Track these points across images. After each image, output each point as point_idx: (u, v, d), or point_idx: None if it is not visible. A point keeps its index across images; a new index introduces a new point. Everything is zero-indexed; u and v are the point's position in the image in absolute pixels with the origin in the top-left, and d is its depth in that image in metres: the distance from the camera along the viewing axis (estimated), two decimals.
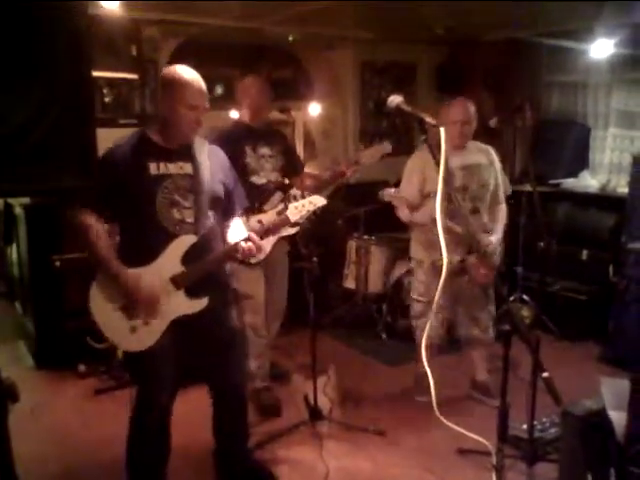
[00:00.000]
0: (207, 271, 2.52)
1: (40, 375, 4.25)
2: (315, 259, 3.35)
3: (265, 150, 3.59)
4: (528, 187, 4.62)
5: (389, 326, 4.87)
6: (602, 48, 4.84)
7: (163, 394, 2.57)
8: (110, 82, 4.66)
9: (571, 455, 2.46)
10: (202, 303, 2.51)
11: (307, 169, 3.99)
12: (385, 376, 4.25)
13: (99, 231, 2.42)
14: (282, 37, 5.25)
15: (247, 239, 2.54)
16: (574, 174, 5.45)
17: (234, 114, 4.79)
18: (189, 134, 2.50)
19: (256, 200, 3.50)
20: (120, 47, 4.70)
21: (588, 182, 5.37)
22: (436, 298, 2.12)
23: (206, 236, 2.51)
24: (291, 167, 3.72)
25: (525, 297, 4.82)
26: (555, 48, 5.53)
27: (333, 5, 4.06)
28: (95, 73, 4.28)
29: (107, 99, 4.65)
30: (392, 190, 3.58)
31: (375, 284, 5.05)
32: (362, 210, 5.16)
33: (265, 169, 3.57)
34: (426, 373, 3.63)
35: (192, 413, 3.16)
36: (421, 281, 3.72)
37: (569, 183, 5.42)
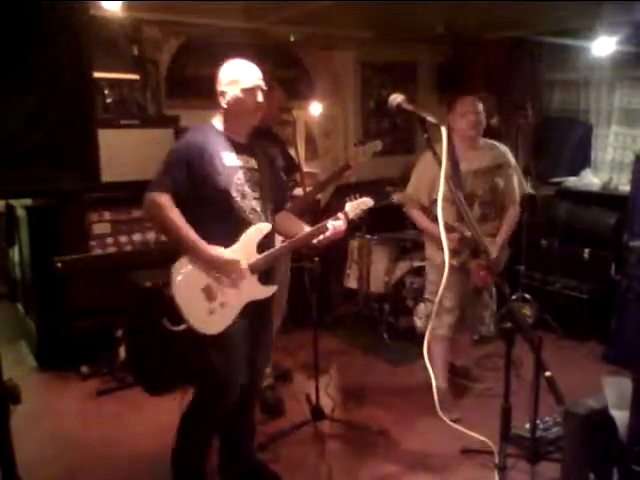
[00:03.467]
0: (279, 258, 2.69)
1: (42, 376, 4.25)
2: (317, 258, 3.35)
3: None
4: (530, 186, 4.62)
5: (391, 325, 4.86)
6: (604, 46, 4.82)
7: (239, 376, 2.64)
8: (111, 83, 4.66)
9: (574, 454, 2.45)
10: (272, 289, 2.70)
11: (308, 168, 4.00)
12: (387, 375, 4.25)
13: (177, 212, 2.48)
14: (283, 37, 5.25)
15: (336, 218, 2.68)
16: (576, 172, 5.44)
17: None
18: (254, 117, 2.62)
19: None
20: (121, 47, 4.70)
21: (590, 180, 5.36)
22: (437, 297, 2.12)
23: (272, 226, 2.69)
24: (289, 169, 3.77)
25: (527, 296, 4.81)
26: (556, 46, 5.52)
27: (333, 5, 4.05)
28: (96, 74, 4.27)
29: (109, 100, 4.65)
30: (402, 192, 3.58)
31: (377, 284, 5.05)
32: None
33: None
34: (447, 389, 3.67)
35: None
36: (432, 281, 3.71)
37: (571, 181, 5.41)
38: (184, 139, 2.59)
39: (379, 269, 5.05)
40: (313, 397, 3.48)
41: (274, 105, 3.67)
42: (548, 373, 1.83)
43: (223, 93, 2.58)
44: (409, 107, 2.16)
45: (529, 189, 3.77)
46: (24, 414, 2.28)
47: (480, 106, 3.48)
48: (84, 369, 4.18)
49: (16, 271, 5.01)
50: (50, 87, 1.94)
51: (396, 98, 2.19)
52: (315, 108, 5.43)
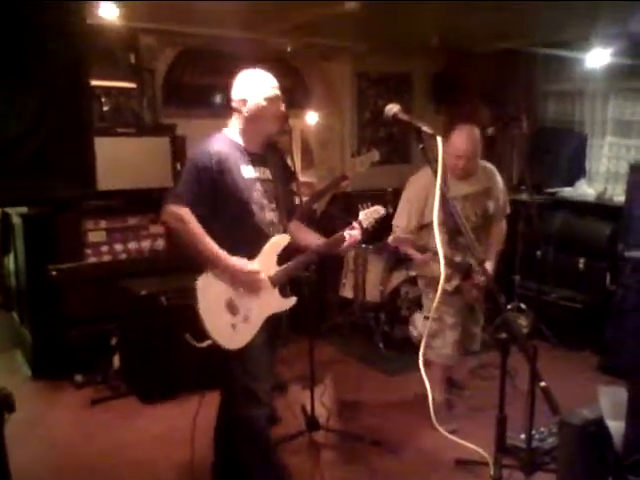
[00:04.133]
0: (299, 269, 2.69)
1: (37, 385, 4.23)
2: (312, 267, 3.35)
3: None
4: (525, 196, 4.64)
5: (386, 335, 4.86)
6: (598, 57, 4.86)
7: (266, 387, 2.63)
8: (108, 91, 4.66)
9: (569, 465, 2.44)
10: (292, 301, 2.67)
11: (304, 178, 4.01)
12: (382, 385, 4.24)
13: (198, 225, 2.46)
14: (280, 47, 5.27)
15: (352, 227, 2.70)
16: (571, 183, 5.46)
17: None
18: (273, 126, 2.59)
19: None
20: (118, 56, 4.72)
21: (585, 191, 5.37)
22: (431, 313, 2.12)
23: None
24: (286, 176, 3.78)
25: (523, 306, 4.82)
26: (551, 58, 5.56)
27: (330, 17, 4.07)
28: (93, 82, 4.28)
29: (105, 108, 4.65)
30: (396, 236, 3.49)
31: (372, 293, 5.05)
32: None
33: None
34: (445, 401, 3.66)
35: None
36: (431, 299, 3.70)
37: (566, 192, 5.43)
38: (203, 149, 2.52)
39: (374, 278, 5.05)
40: (308, 408, 3.47)
41: (280, 115, 3.68)
42: (543, 383, 1.83)
43: (244, 101, 2.52)
44: (405, 117, 2.16)
45: (509, 210, 3.75)
46: (18, 422, 2.27)
47: (476, 141, 3.39)
48: (78, 378, 4.16)
49: (11, 279, 4.99)
50: (47, 95, 1.94)
51: (392, 108, 2.19)
52: (311, 117, 5.46)
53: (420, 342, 2.18)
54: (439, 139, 1.99)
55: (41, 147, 1.90)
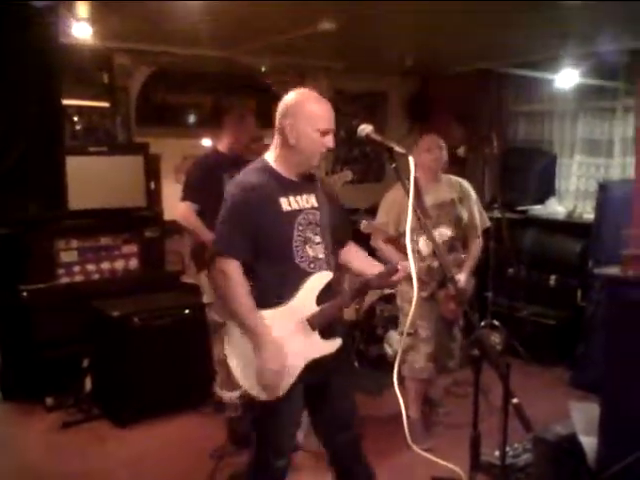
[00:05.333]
0: (342, 308, 2.40)
1: (7, 408, 4.13)
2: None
3: None
4: (496, 214, 4.71)
5: (361, 353, 4.85)
6: (567, 78, 4.97)
7: (291, 441, 2.50)
8: (81, 110, 4.65)
9: None
10: (336, 344, 2.38)
11: None
12: (358, 404, 4.21)
13: (242, 283, 2.27)
14: (255, 66, 5.30)
15: (394, 266, 2.43)
16: (541, 201, 5.55)
17: (206, 142, 4.83)
18: (317, 159, 2.33)
19: None
20: (92, 75, 4.71)
21: (555, 209, 5.47)
22: (406, 326, 2.13)
23: (334, 273, 2.40)
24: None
25: (496, 322, 4.86)
26: (521, 78, 5.68)
27: (305, 36, 4.12)
28: (66, 101, 4.26)
29: (78, 127, 4.63)
30: (370, 221, 3.57)
31: (347, 311, 5.04)
32: None
33: None
34: (419, 419, 3.65)
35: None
36: (406, 314, 3.72)
37: (536, 210, 5.51)
38: (239, 184, 2.32)
39: None
40: None
41: (246, 134, 3.70)
42: (515, 400, 1.84)
43: (292, 127, 2.27)
44: (377, 137, 2.20)
45: (488, 222, 3.83)
46: None
47: (442, 143, 3.58)
48: (49, 400, 4.08)
49: None
50: (18, 114, 1.93)
51: (365, 128, 2.23)
52: None
53: (395, 359, 2.19)
54: (411, 159, 2.03)
55: (12, 168, 1.88)
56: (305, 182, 2.38)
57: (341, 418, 2.54)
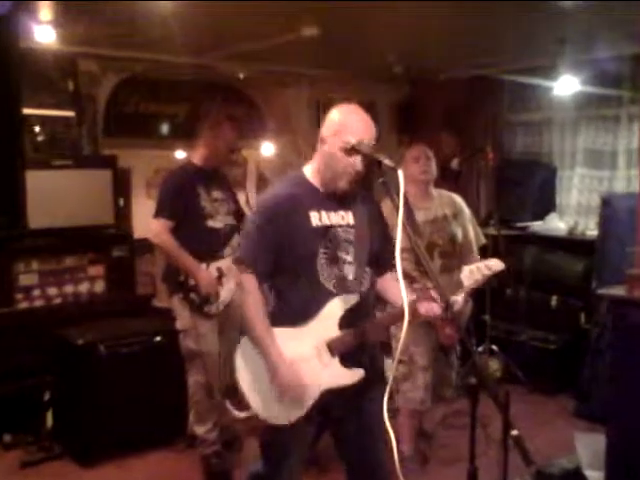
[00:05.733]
0: (367, 336, 2.34)
1: None
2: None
3: (217, 194, 3.68)
4: (493, 231, 4.74)
5: None
6: (567, 85, 4.92)
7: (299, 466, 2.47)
8: (44, 120, 4.63)
9: None
10: (356, 375, 2.34)
11: None
12: None
13: (259, 301, 2.31)
14: (232, 73, 5.33)
15: (431, 298, 2.36)
16: (541, 217, 5.59)
17: (180, 154, 4.83)
18: (344, 181, 2.31)
19: (214, 245, 3.58)
20: (55, 82, 4.70)
21: (556, 225, 5.51)
22: (400, 346, 2.12)
23: (364, 296, 2.38)
24: (238, 215, 3.79)
25: (494, 347, 4.86)
26: (518, 86, 5.74)
27: (285, 42, 4.15)
28: (27, 110, 4.24)
29: (40, 138, 4.61)
30: None
31: None
32: None
33: (220, 212, 3.65)
34: (414, 453, 3.63)
35: None
36: (399, 340, 3.70)
37: (536, 226, 5.56)
38: (268, 193, 2.41)
39: None
40: None
41: (223, 145, 3.70)
42: (515, 432, 1.84)
43: (324, 141, 2.31)
44: (364, 149, 2.20)
45: (484, 240, 3.85)
46: None
47: (431, 154, 3.61)
48: (7, 438, 4.02)
49: None
50: None
51: (351, 140, 2.23)
52: (267, 148, 5.48)
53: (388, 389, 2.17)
54: (400, 172, 2.03)
55: None
56: (343, 198, 2.37)
57: (365, 471, 2.48)
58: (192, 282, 3.51)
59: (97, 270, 4.50)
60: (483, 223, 5.09)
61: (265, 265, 2.32)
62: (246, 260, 2.33)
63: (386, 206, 3.55)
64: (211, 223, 3.58)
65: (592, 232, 5.11)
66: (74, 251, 4.41)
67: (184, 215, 3.52)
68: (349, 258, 2.35)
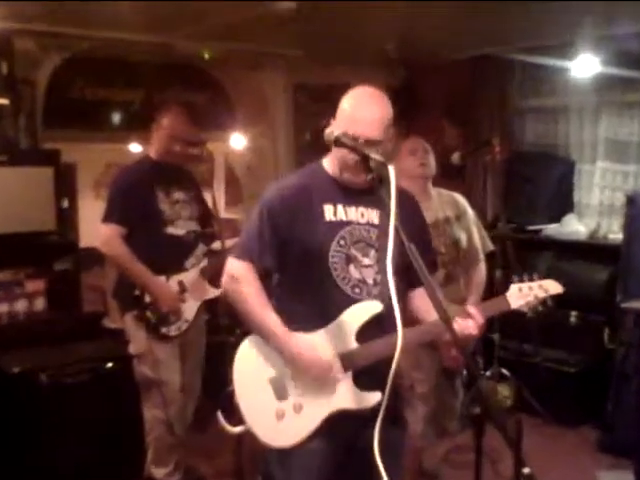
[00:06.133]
0: (388, 355, 2.21)
1: None
2: (239, 331, 3.32)
3: (179, 194, 3.69)
4: (501, 235, 4.75)
5: None
6: (586, 66, 4.98)
7: None
8: None
9: None
10: (372, 399, 2.31)
11: (229, 215, 4.03)
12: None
13: (253, 283, 2.37)
14: (196, 53, 5.32)
15: (467, 314, 2.36)
16: (557, 218, 5.61)
17: (135, 148, 4.82)
18: (347, 174, 2.37)
19: (175, 255, 3.60)
20: None
21: (574, 228, 5.52)
22: (390, 377, 2.12)
23: (389, 307, 2.24)
24: (205, 218, 3.79)
25: (504, 371, 4.87)
26: (529, 67, 5.76)
27: (256, 19, 4.15)
28: None
29: None
30: None
31: None
32: None
33: (182, 217, 3.66)
34: None
35: None
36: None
37: (551, 229, 5.58)
38: (279, 183, 2.49)
39: None
40: None
41: (183, 137, 3.69)
42: (527, 470, 1.84)
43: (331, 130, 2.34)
44: (349, 142, 2.20)
45: (491, 246, 3.87)
46: None
47: (429, 147, 3.66)
48: None
49: None
50: None
51: (334, 131, 2.24)
52: (237, 140, 5.48)
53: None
54: (391, 168, 2.04)
55: None
56: (368, 194, 2.32)
57: None
58: (148, 298, 3.50)
59: (36, 285, 4.48)
60: (490, 226, 5.11)
61: (261, 254, 2.37)
62: (238, 250, 2.41)
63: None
64: (171, 229, 3.58)
65: (616, 236, 5.14)
66: (8, 263, 4.39)
67: (139, 220, 3.51)
68: (367, 260, 2.39)
